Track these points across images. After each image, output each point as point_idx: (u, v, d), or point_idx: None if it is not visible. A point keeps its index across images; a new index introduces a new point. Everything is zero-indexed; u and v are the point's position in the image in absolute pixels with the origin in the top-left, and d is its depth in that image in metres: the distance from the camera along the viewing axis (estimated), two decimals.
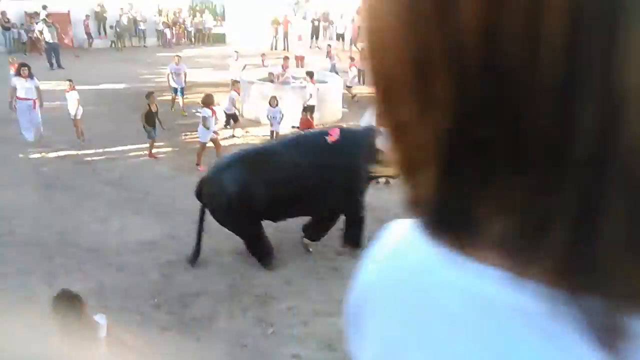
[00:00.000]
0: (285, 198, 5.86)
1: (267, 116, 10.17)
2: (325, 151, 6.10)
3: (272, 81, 13.07)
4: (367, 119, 7.52)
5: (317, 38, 24.74)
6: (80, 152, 9.79)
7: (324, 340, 5.02)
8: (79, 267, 6.10)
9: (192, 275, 6.04)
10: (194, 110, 12.90)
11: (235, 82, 11.47)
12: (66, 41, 19.37)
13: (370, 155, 6.16)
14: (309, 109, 11.43)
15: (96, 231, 7.02)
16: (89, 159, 9.54)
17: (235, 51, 14.14)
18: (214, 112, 9.42)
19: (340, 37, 24.08)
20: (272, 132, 10.33)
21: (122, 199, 7.99)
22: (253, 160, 6.00)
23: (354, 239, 6.49)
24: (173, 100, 12.55)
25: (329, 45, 18.11)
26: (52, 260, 6.19)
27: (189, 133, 11.12)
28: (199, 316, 5.32)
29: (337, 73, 14.37)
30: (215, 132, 9.27)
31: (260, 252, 6.19)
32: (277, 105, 10.11)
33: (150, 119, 9.32)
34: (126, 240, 6.79)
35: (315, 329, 5.19)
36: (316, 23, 24.97)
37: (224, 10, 25.24)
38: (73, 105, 10.03)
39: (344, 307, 0.55)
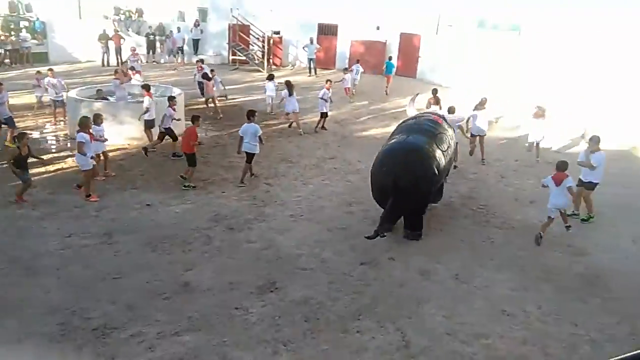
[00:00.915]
0: (443, 172, 7.43)
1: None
2: (447, 129, 7.98)
3: (105, 98, 12.02)
4: (411, 109, 9.35)
5: (154, 52, 23.57)
6: None
7: None
8: None
9: (14, 321, 5.14)
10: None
11: (172, 98, 10.56)
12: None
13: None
14: (147, 125, 10.76)
15: None
16: None
17: (49, 69, 12.63)
18: (91, 136, 8.33)
19: (180, 50, 23.25)
20: (98, 155, 9.03)
21: None
22: (421, 145, 7.08)
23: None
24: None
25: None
26: None
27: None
28: None
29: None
30: (92, 159, 8.23)
31: (422, 225, 7.22)
32: (101, 123, 9.17)
33: (21, 163, 7.96)
34: None
35: (163, 352, 4.72)
36: (152, 37, 23.75)
37: (44, 27, 22.69)
38: None
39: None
